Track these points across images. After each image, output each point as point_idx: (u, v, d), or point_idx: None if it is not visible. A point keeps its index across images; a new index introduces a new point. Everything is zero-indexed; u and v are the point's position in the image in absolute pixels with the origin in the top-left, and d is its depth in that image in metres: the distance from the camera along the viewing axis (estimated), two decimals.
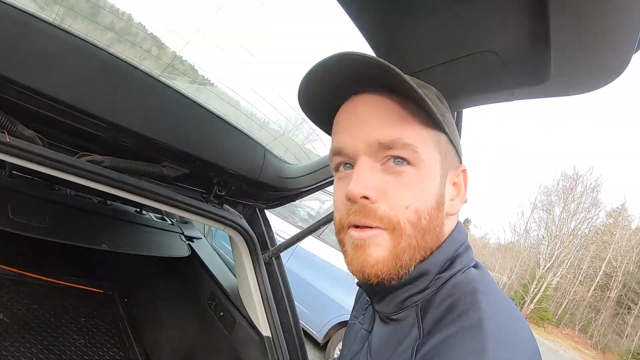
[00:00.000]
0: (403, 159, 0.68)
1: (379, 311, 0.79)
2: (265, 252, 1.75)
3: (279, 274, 1.77)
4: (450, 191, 0.75)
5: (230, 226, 1.63)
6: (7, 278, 2.32)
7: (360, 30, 1.02)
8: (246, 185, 1.65)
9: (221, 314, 1.91)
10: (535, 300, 28.31)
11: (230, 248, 1.81)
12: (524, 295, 28.65)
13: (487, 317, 0.62)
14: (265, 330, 1.69)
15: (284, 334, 1.69)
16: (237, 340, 1.79)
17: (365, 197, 0.67)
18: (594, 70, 0.82)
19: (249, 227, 1.69)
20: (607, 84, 0.82)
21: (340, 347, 1.16)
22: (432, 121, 0.69)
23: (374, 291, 0.78)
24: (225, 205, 1.67)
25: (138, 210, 2.36)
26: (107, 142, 1.35)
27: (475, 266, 0.76)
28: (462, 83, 1.01)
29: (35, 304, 2.27)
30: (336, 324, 4.63)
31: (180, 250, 2.27)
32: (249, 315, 1.76)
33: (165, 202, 1.45)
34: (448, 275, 0.72)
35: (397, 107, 0.69)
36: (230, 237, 1.72)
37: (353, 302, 1.03)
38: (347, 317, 1.03)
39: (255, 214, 1.84)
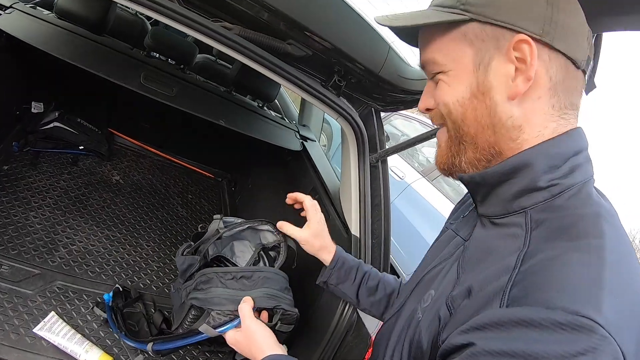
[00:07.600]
0: (436, 72, 0.76)
1: (482, 214, 0.77)
2: (373, 154, 1.69)
3: (381, 180, 1.68)
4: (502, 72, 0.68)
5: (343, 116, 1.57)
6: (129, 149, 2.54)
7: None
8: (366, 79, 1.55)
9: None
10: None
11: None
12: None
13: (609, 248, 0.57)
14: (355, 230, 1.64)
15: (372, 239, 1.63)
16: None
17: (428, 109, 0.81)
18: None
19: (362, 123, 1.63)
20: None
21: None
22: (448, 23, 0.72)
23: (477, 185, 0.76)
24: (342, 98, 1.61)
25: (260, 105, 2.41)
26: (238, 11, 1.37)
27: (598, 192, 0.69)
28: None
29: (150, 175, 2.44)
30: None
31: (293, 144, 2.29)
32: (343, 214, 1.72)
33: (285, 76, 1.44)
34: (567, 183, 0.66)
35: (429, 32, 0.76)
36: (342, 131, 1.69)
37: None
38: None
39: (371, 115, 1.76)
